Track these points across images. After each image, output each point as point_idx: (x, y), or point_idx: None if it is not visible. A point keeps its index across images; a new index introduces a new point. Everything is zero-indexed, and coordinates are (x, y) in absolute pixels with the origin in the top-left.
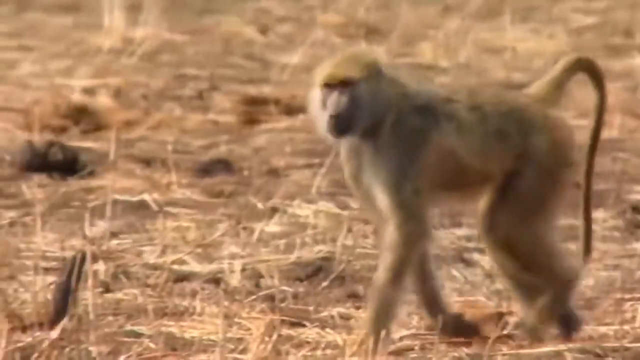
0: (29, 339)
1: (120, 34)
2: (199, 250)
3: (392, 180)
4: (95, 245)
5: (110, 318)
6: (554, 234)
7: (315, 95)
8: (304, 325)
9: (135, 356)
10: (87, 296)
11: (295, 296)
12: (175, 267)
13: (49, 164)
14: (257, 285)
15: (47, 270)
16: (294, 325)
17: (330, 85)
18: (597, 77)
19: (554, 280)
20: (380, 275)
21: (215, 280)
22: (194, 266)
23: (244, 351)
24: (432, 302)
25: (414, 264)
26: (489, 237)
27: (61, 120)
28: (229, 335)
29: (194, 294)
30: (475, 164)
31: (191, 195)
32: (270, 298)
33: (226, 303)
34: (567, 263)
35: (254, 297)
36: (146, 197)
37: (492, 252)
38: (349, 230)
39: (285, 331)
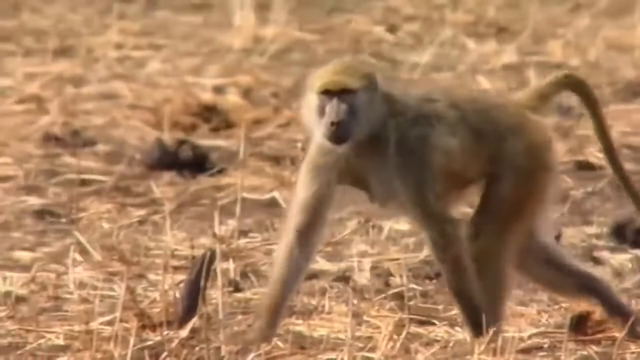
0: (158, 338)
1: (250, 33)
2: (328, 248)
3: (415, 194)
4: (224, 243)
5: (240, 317)
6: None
7: (311, 101)
8: (433, 324)
9: (264, 355)
10: (216, 295)
11: (424, 294)
12: None
13: (178, 162)
14: (386, 284)
15: (176, 268)
16: (422, 323)
17: (330, 92)
18: (586, 97)
19: (477, 317)
20: (451, 282)
21: (344, 278)
22: (323, 264)
23: (372, 349)
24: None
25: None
26: (473, 246)
27: (191, 119)
28: (358, 333)
29: (322, 292)
30: (459, 164)
31: None
32: (399, 296)
33: (355, 301)
34: (499, 310)
35: (383, 295)
36: (275, 195)
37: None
38: None
39: (414, 329)
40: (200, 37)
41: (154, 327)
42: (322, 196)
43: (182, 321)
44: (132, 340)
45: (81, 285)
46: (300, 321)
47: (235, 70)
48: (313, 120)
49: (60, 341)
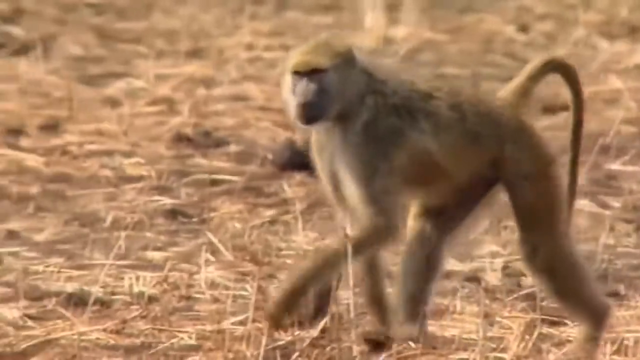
0: (289, 338)
1: (380, 34)
2: (459, 248)
3: (363, 174)
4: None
5: (369, 317)
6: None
7: (286, 81)
8: (564, 324)
9: (395, 354)
10: (347, 295)
11: None
12: None
13: (309, 163)
14: (518, 284)
15: None
16: (554, 324)
17: (299, 72)
18: (569, 76)
19: (586, 313)
20: (335, 243)
21: (475, 278)
22: (454, 264)
23: (503, 350)
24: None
25: (369, 259)
26: (533, 265)
27: None
28: (489, 334)
29: (454, 293)
30: (447, 163)
31: None
32: (531, 297)
33: (486, 301)
34: (598, 294)
35: (514, 295)
36: None
37: (539, 279)
38: (611, 229)
39: (546, 330)
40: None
41: (285, 327)
42: (337, 175)
43: (314, 321)
44: (264, 340)
45: (212, 285)
46: (432, 321)
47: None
48: (288, 100)
49: (192, 341)
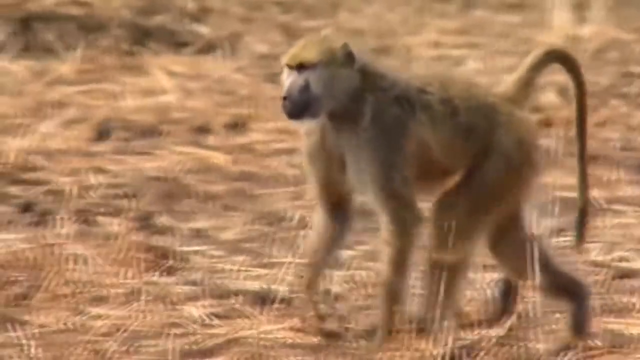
0: (474, 337)
1: (566, 32)
2: None
3: (381, 172)
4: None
5: (557, 315)
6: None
7: (282, 75)
8: None
9: (580, 353)
10: (532, 293)
11: None
12: (619, 264)
13: None
14: None
15: (492, 267)
16: None
17: (290, 66)
18: (571, 66)
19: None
20: (385, 269)
21: None
22: (636, 263)
23: None
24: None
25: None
26: (443, 216)
27: None
28: None
29: (636, 291)
30: (442, 157)
31: (637, 193)
32: None
33: None
34: (453, 296)
35: None
36: (592, 194)
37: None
38: None
39: None
40: (517, 36)
41: (469, 326)
42: (328, 177)
43: (497, 320)
44: (449, 339)
45: None
46: (616, 319)
47: (551, 69)
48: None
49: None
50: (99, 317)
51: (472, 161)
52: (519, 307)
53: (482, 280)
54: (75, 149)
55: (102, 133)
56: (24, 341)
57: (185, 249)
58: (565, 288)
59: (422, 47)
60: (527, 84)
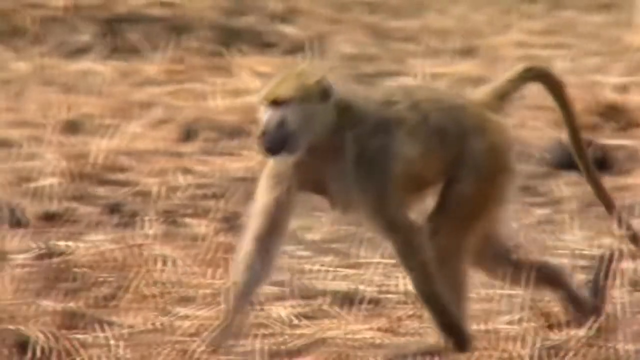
0: (560, 337)
1: None
2: None
3: (378, 207)
4: (625, 243)
5: None
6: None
7: (259, 111)
8: None
9: None
10: (618, 294)
11: None
12: None
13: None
14: None
15: (578, 268)
16: None
17: (266, 102)
18: (554, 87)
19: (446, 330)
20: (419, 288)
21: None
22: None
23: None
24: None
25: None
26: (433, 243)
27: (592, 118)
28: None
29: None
30: (423, 168)
31: None
32: None
33: None
34: (461, 308)
35: None
36: None
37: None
38: None
39: None
40: (606, 36)
41: (557, 326)
42: (282, 203)
43: (584, 320)
44: (536, 340)
45: (484, 284)
46: None
47: (639, 70)
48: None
49: None
50: (186, 317)
51: (449, 168)
52: (608, 307)
53: (572, 282)
54: (162, 149)
55: (189, 134)
56: (111, 342)
57: None
58: (546, 278)
59: (508, 47)
60: (501, 97)
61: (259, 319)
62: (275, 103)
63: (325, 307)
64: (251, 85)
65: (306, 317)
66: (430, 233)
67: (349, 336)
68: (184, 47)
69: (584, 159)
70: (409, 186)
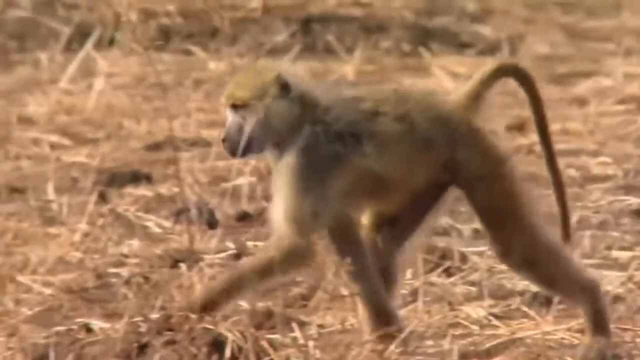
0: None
1: None
2: None
3: (292, 197)
4: None
5: None
6: (555, 238)
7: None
8: None
9: None
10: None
11: None
12: None
13: None
14: None
15: None
16: None
17: (227, 105)
18: (523, 80)
19: (577, 293)
20: (246, 263)
21: None
22: None
23: None
24: None
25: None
26: (509, 262)
27: None
28: None
29: None
30: (398, 176)
31: None
32: None
33: None
34: (582, 270)
35: None
36: None
37: (520, 274)
38: None
39: None
40: None
41: None
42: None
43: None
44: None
45: None
46: None
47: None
48: None
49: None
50: None
51: (438, 174)
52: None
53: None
54: None
55: None
56: (303, 341)
57: (465, 249)
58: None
59: None
60: (476, 98)
61: (451, 319)
62: (234, 106)
63: (518, 307)
64: (447, 86)
65: (499, 317)
66: (504, 253)
67: (542, 337)
68: (377, 47)
69: (549, 149)
70: (371, 192)
